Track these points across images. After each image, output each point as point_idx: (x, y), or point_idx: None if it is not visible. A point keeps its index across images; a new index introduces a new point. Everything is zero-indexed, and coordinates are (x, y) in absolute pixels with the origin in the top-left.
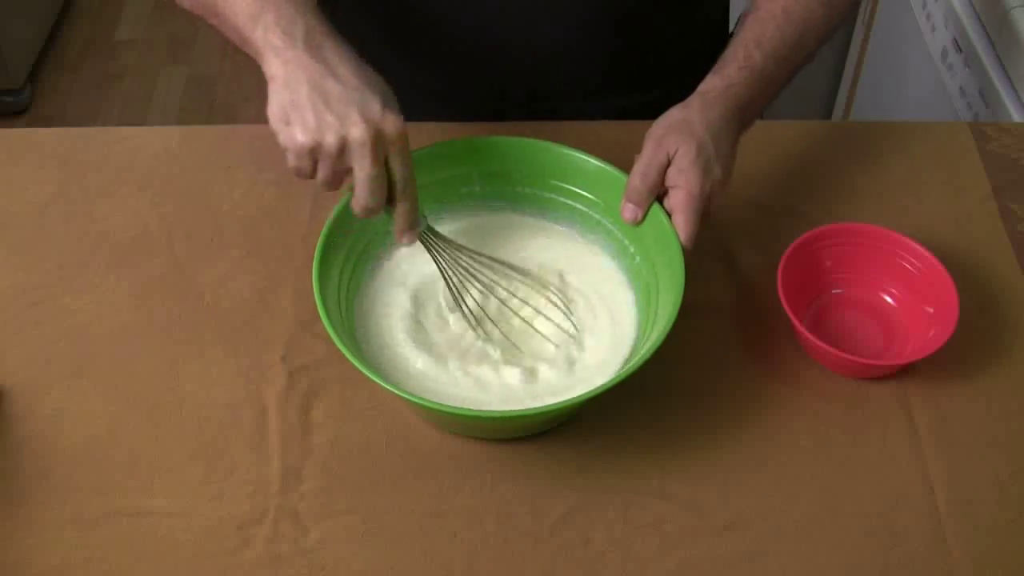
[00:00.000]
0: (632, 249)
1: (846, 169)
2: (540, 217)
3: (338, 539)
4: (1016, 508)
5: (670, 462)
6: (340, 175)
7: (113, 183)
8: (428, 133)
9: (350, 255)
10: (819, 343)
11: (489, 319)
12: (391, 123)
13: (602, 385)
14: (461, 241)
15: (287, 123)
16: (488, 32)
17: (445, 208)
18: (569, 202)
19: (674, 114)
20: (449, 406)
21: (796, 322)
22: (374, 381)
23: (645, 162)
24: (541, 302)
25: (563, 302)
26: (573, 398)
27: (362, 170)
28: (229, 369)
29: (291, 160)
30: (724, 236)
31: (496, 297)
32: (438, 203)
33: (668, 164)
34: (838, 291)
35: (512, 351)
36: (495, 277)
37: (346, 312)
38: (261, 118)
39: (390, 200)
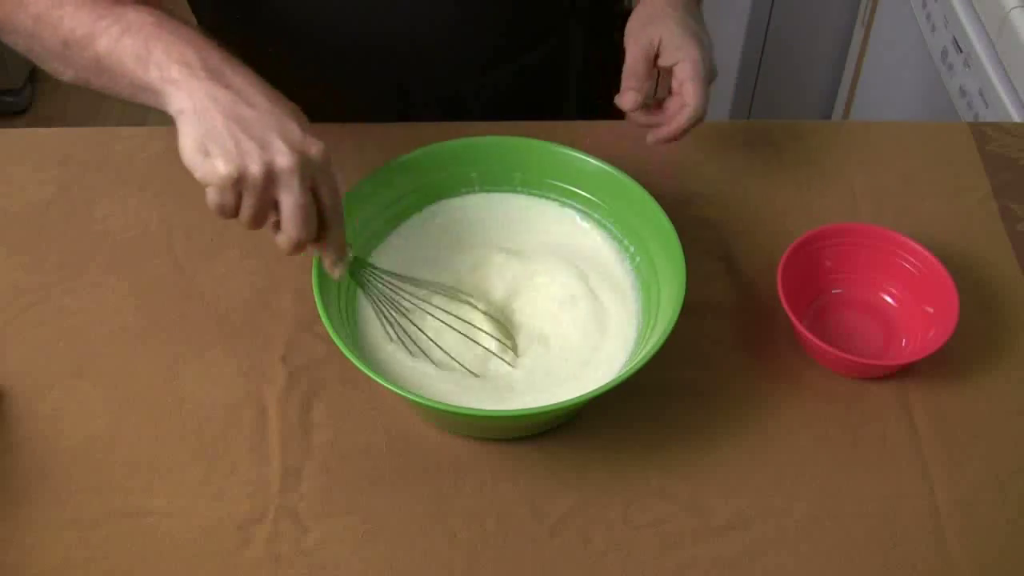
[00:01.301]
0: (632, 249)
1: (846, 169)
2: (540, 218)
3: (338, 539)
4: (1016, 508)
5: (670, 462)
6: (265, 209)
7: (113, 183)
8: (427, 133)
9: None
10: (819, 343)
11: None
12: (315, 147)
13: (602, 385)
14: (461, 239)
15: (206, 154)
16: (362, 28)
17: (445, 208)
18: (569, 202)
19: (641, 11)
20: (449, 406)
21: (796, 322)
22: (374, 381)
23: (634, 55)
24: (479, 321)
25: (500, 328)
26: (573, 398)
27: (290, 199)
28: (229, 369)
29: (213, 197)
30: (724, 236)
31: (435, 316)
32: (438, 203)
33: (655, 53)
34: (838, 291)
35: (509, 351)
36: (432, 301)
37: (346, 312)
38: None
39: (319, 231)
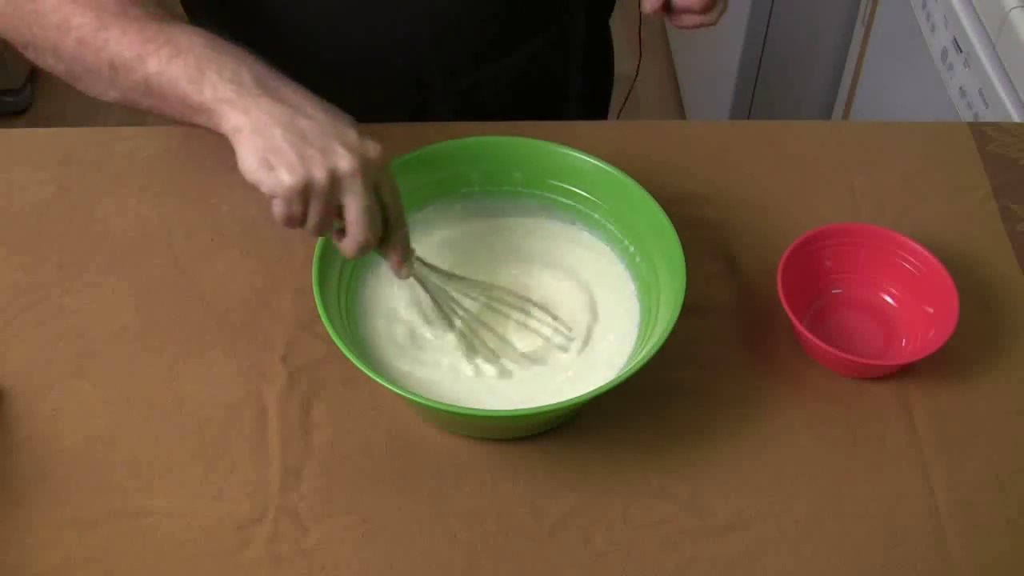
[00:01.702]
0: (632, 249)
1: (846, 169)
2: (540, 217)
3: (338, 539)
4: (1016, 508)
5: (670, 462)
6: (331, 216)
7: (113, 183)
8: (428, 133)
9: None
10: (819, 343)
11: (484, 343)
12: (373, 149)
13: (602, 385)
14: (461, 239)
15: (270, 168)
16: (380, 22)
17: (445, 208)
18: (569, 202)
19: None
20: (449, 406)
21: (796, 322)
22: (374, 381)
23: None
24: (532, 322)
25: (551, 323)
26: (573, 398)
27: (356, 201)
28: (229, 369)
29: (280, 208)
30: (724, 236)
31: (485, 321)
32: (438, 203)
33: None
34: (838, 291)
35: (510, 351)
36: (484, 300)
37: (346, 312)
38: None
39: (383, 233)
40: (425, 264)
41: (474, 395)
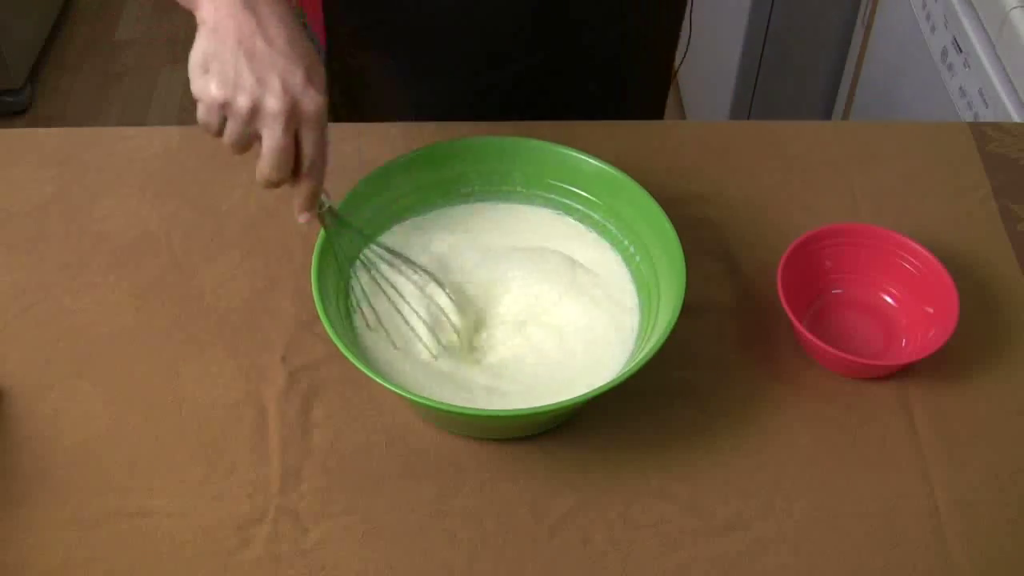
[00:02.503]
0: (632, 249)
1: (846, 169)
2: (540, 217)
3: (338, 539)
4: (1016, 508)
5: (670, 462)
6: (247, 140)
7: (113, 183)
8: (428, 133)
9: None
10: (819, 343)
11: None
12: (311, 99)
13: (602, 385)
14: (462, 239)
15: (205, 71)
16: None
17: (445, 208)
18: (569, 202)
19: None
20: (449, 405)
21: (796, 322)
22: (374, 381)
23: None
24: (429, 300)
25: (450, 298)
26: (573, 398)
27: (270, 140)
28: (229, 369)
29: (201, 112)
30: (724, 236)
31: (389, 290)
32: (438, 203)
33: None
34: (838, 291)
35: (510, 348)
36: (395, 267)
37: (346, 312)
38: None
39: (295, 175)
40: (342, 221)
41: (474, 395)
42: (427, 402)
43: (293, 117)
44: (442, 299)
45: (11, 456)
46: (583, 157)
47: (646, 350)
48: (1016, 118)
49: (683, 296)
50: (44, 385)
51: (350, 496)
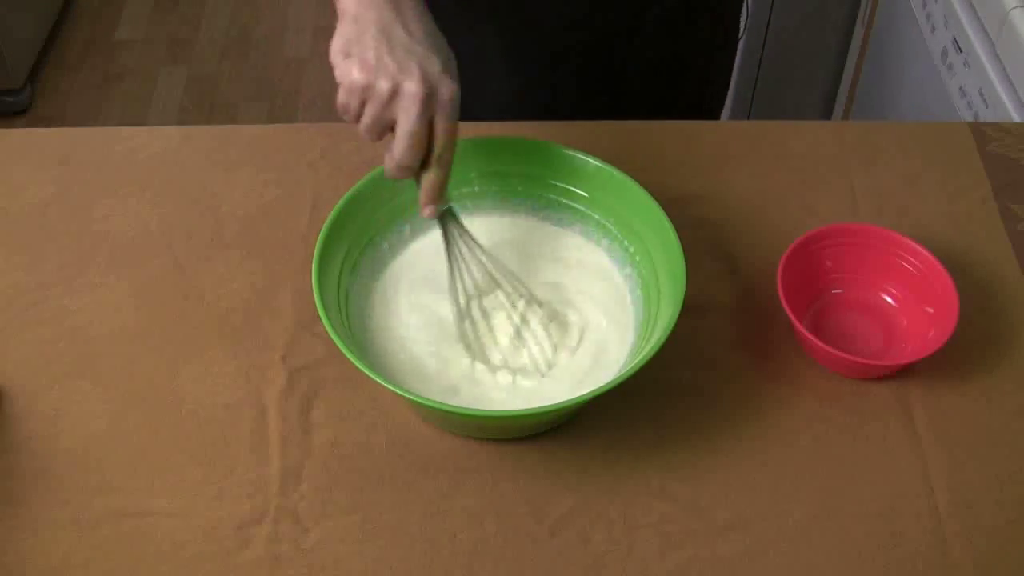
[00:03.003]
0: (632, 249)
1: (846, 169)
2: (540, 217)
3: (338, 539)
4: (1016, 508)
5: (670, 462)
6: (384, 125)
7: (113, 183)
8: None
9: (350, 255)
10: (819, 343)
11: (473, 318)
12: (447, 87)
13: (602, 385)
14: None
15: (347, 56)
16: None
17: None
18: (569, 202)
19: None
20: (449, 406)
21: (796, 322)
22: (374, 381)
23: None
24: (532, 318)
25: (546, 326)
26: (573, 398)
27: (407, 123)
28: (229, 369)
29: (341, 96)
30: (724, 236)
31: (492, 298)
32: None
33: None
34: (838, 291)
35: (509, 350)
36: (497, 278)
37: (346, 312)
38: (261, 118)
39: (423, 166)
40: (457, 220)
41: (475, 395)
42: (427, 402)
43: (430, 103)
44: (534, 318)
45: (11, 456)
46: (583, 157)
47: (646, 350)
48: (1016, 118)
49: (683, 296)
50: (44, 385)
51: (350, 496)
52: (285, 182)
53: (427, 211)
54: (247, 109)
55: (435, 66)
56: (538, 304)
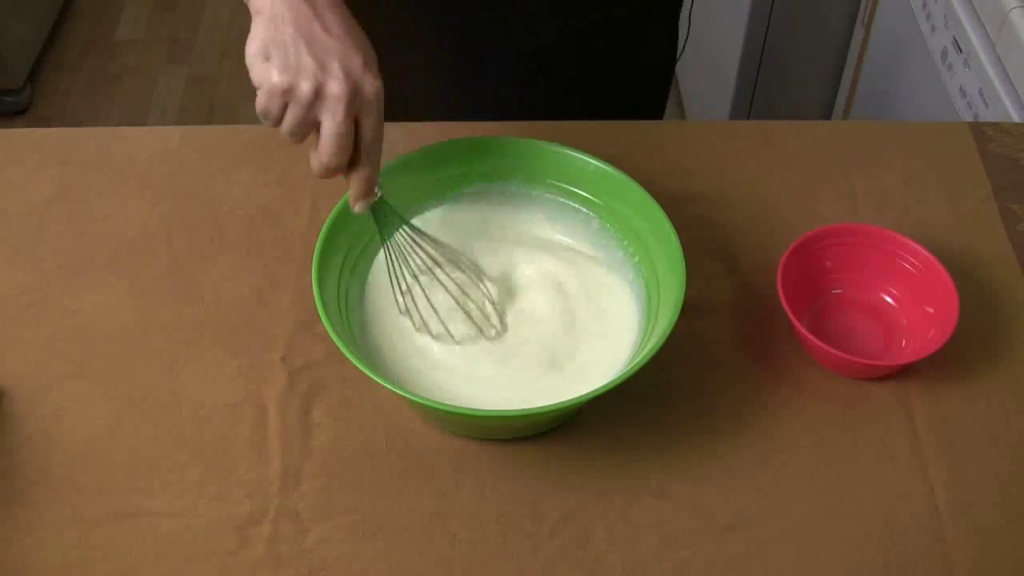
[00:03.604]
0: (632, 249)
1: (846, 169)
2: (540, 217)
3: (338, 539)
4: (1016, 508)
5: (670, 462)
6: (307, 127)
7: (113, 183)
8: (429, 133)
9: (350, 255)
10: (819, 343)
11: (414, 304)
12: (370, 83)
13: (602, 385)
14: (462, 239)
15: (266, 59)
16: None
17: (445, 208)
18: (569, 202)
19: None
20: (449, 406)
21: (796, 322)
22: (374, 381)
23: None
24: (472, 297)
25: (490, 298)
26: (573, 398)
27: (331, 124)
28: (229, 369)
29: (261, 99)
30: (724, 236)
31: (435, 279)
32: (438, 203)
33: None
34: (838, 291)
35: (510, 348)
36: (439, 261)
37: (346, 312)
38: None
39: (351, 164)
40: (392, 210)
41: (474, 395)
42: (427, 402)
43: (354, 101)
44: (488, 287)
45: (11, 456)
46: (583, 157)
47: (646, 350)
48: (1016, 118)
49: (683, 296)
50: (44, 385)
51: (350, 496)
52: (285, 182)
53: (358, 207)
54: (247, 109)
55: (356, 63)
56: (485, 277)
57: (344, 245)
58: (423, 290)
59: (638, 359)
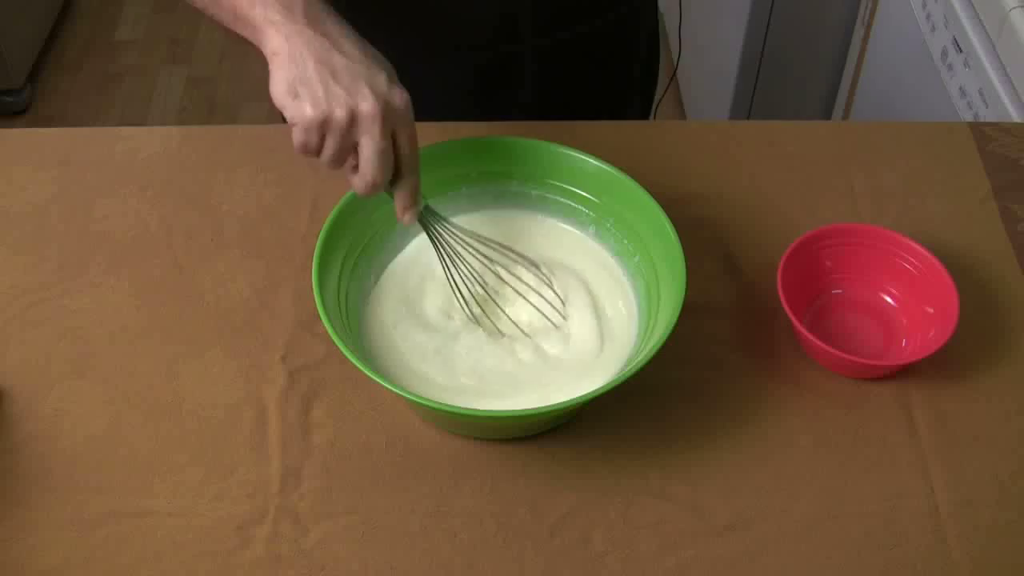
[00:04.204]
0: (632, 249)
1: (846, 169)
2: (540, 217)
3: (338, 539)
4: (1016, 508)
5: (670, 462)
6: (346, 152)
7: (113, 183)
8: (429, 133)
9: (350, 255)
10: (819, 343)
11: (478, 304)
12: (399, 96)
13: (603, 385)
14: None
15: (295, 97)
16: None
17: (445, 208)
18: (569, 202)
19: None
20: (449, 406)
21: (796, 322)
22: (374, 381)
23: None
24: (534, 288)
25: (553, 290)
26: (573, 398)
27: (371, 143)
28: (229, 369)
29: (298, 136)
30: (724, 236)
31: (493, 277)
32: (439, 203)
33: None
34: (838, 291)
35: (510, 347)
36: (493, 258)
37: (346, 312)
38: (261, 118)
39: (394, 177)
40: (436, 215)
41: (474, 395)
42: (427, 402)
43: (388, 117)
44: (545, 273)
45: (11, 456)
46: (583, 157)
47: (646, 350)
48: (1016, 118)
49: (683, 296)
50: (44, 385)
51: (350, 496)
52: (285, 182)
53: (407, 218)
54: (247, 109)
55: (381, 80)
56: (534, 266)
57: (344, 245)
58: (489, 294)
59: (638, 359)
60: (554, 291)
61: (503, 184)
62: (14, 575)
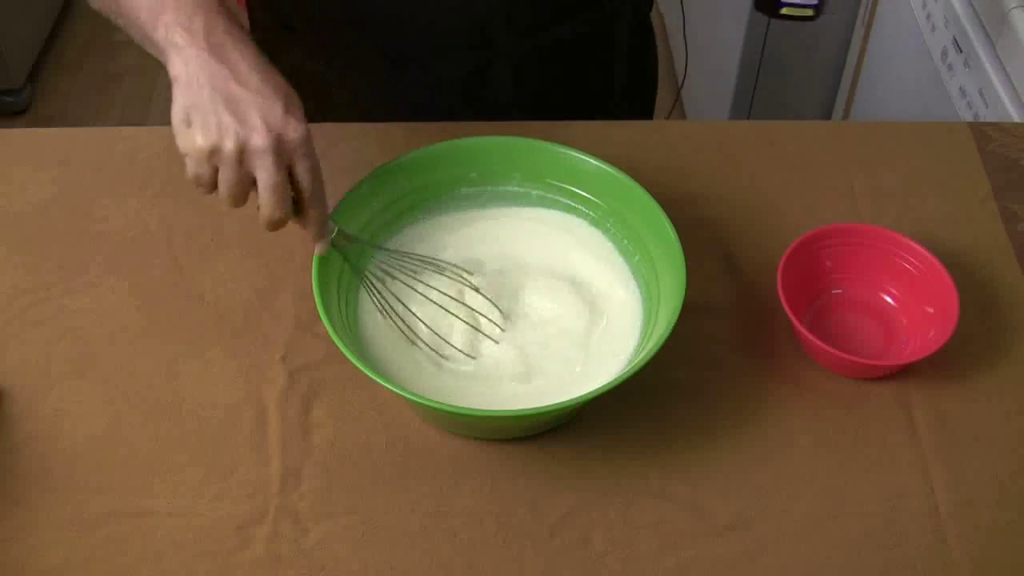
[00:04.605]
0: (632, 249)
1: (846, 169)
2: (539, 216)
3: (338, 539)
4: (1016, 508)
5: (670, 462)
6: (243, 187)
7: (113, 183)
8: (429, 134)
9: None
10: (819, 343)
11: (424, 341)
12: (293, 128)
13: (602, 385)
14: (462, 240)
15: (188, 125)
16: None
17: (445, 208)
18: (569, 202)
19: None
20: (449, 406)
21: (796, 322)
22: (374, 381)
23: None
24: (468, 294)
25: (483, 295)
26: (573, 398)
27: (265, 176)
28: (229, 369)
29: (190, 167)
30: (724, 236)
31: (421, 293)
32: (438, 203)
33: None
34: (838, 291)
35: (509, 347)
36: (417, 273)
37: (346, 312)
38: None
39: (299, 210)
40: (351, 240)
41: (473, 395)
42: (427, 402)
43: (281, 150)
44: (477, 300)
45: (11, 456)
46: (583, 157)
47: (646, 350)
48: (1016, 118)
49: (683, 296)
50: (44, 385)
51: (350, 496)
52: None
53: (319, 248)
54: None
55: (277, 111)
56: (468, 273)
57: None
58: (415, 314)
59: (638, 359)
60: (485, 297)
61: (503, 184)
62: (14, 575)
